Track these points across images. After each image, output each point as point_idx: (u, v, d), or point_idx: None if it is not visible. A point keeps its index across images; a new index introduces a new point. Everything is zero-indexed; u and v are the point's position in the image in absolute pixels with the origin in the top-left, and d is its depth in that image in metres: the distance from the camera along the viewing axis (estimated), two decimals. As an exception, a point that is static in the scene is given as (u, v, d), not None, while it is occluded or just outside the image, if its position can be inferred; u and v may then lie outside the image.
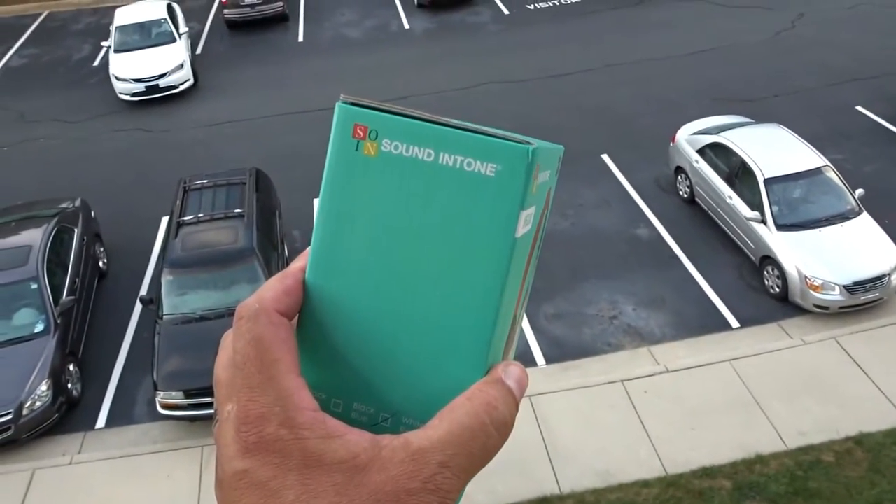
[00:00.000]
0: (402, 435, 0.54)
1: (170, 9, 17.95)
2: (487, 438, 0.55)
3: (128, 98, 16.13)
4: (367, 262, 0.59)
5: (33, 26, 21.13)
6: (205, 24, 20.28)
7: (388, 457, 0.52)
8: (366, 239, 0.59)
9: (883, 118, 13.30)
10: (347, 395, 0.59)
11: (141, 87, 15.97)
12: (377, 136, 0.57)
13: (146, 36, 16.84)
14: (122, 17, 17.37)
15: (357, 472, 0.52)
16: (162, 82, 16.02)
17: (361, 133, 0.58)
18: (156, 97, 16.11)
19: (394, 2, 20.64)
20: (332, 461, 0.52)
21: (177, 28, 17.26)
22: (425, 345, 0.58)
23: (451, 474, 0.53)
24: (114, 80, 16.21)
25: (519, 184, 0.57)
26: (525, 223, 0.59)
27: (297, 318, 0.60)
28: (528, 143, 0.57)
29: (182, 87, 16.35)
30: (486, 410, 0.55)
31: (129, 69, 16.06)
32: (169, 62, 16.20)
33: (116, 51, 16.55)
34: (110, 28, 17.43)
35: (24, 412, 8.53)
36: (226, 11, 19.33)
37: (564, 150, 0.73)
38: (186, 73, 16.45)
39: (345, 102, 0.58)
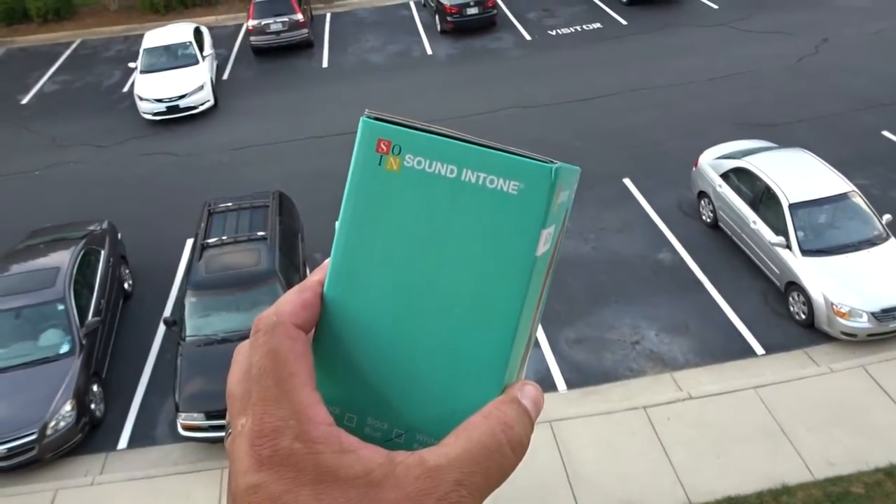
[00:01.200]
0: (417, 452, 0.54)
1: (197, 32, 18.58)
2: (503, 458, 0.55)
3: (150, 117, 16.67)
4: (387, 277, 0.58)
5: (66, 53, 21.71)
6: (232, 50, 20.70)
7: (403, 473, 0.52)
8: (385, 254, 0.58)
9: (910, 143, 13.14)
10: (361, 410, 0.59)
11: (162, 106, 16.53)
12: (400, 151, 0.57)
13: (171, 58, 17.49)
14: (151, 39, 18.09)
15: (371, 488, 0.51)
16: (182, 103, 16.57)
17: (385, 148, 0.57)
18: (176, 117, 16.62)
19: (417, 28, 20.92)
20: (347, 476, 0.51)
21: (201, 51, 17.82)
22: (442, 362, 0.58)
23: (466, 492, 0.52)
24: (137, 100, 16.82)
25: (542, 202, 0.57)
26: (545, 242, 0.60)
27: (313, 331, 0.60)
28: (552, 162, 0.58)
29: (202, 108, 16.87)
30: (503, 429, 0.55)
31: (152, 90, 16.65)
32: (190, 84, 16.77)
33: (142, 72, 17.24)
34: (139, 50, 18.04)
35: (49, 432, 8.62)
36: (252, 38, 19.72)
37: (582, 172, 0.75)
38: (206, 94, 16.97)
39: (369, 117, 0.58)
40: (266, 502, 0.51)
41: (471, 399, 0.57)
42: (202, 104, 16.86)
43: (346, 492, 0.51)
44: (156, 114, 16.63)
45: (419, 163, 0.57)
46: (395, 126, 0.58)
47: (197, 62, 17.45)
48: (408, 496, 0.51)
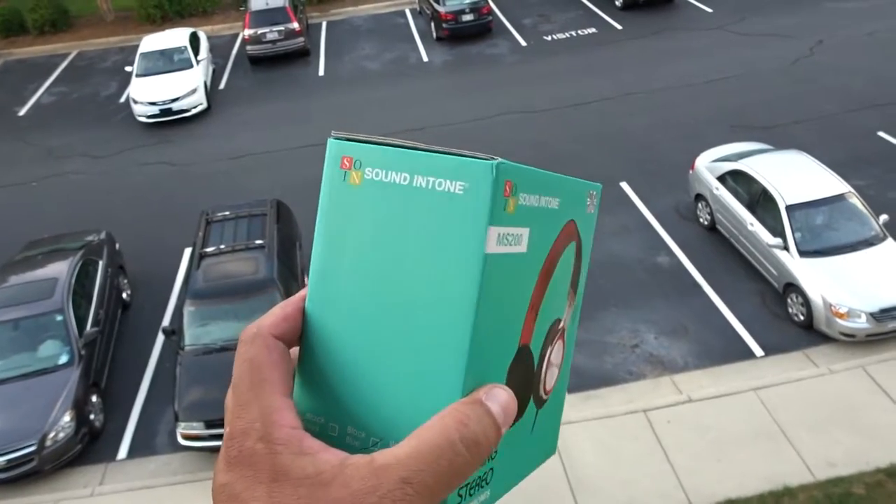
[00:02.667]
0: (370, 454, 0.55)
1: (193, 37, 18.98)
2: (455, 455, 0.55)
3: (144, 120, 17.03)
4: (354, 289, 0.61)
5: (63, 65, 21.75)
6: (228, 59, 20.74)
7: (351, 473, 0.53)
8: (352, 267, 0.61)
9: (906, 143, 13.18)
10: (341, 421, 0.61)
11: (155, 109, 16.92)
12: (360, 165, 0.61)
13: (166, 62, 17.93)
14: (147, 44, 18.57)
15: (320, 487, 0.53)
16: (175, 106, 16.94)
17: (348, 164, 0.61)
18: (169, 120, 16.97)
19: (413, 35, 20.98)
20: (299, 476, 0.53)
21: (196, 55, 18.19)
22: (407, 368, 0.60)
23: (412, 490, 0.53)
24: (132, 103, 17.18)
25: (485, 198, 0.58)
26: (502, 242, 0.60)
27: (300, 342, 0.64)
28: (494, 159, 0.59)
29: (194, 111, 17.21)
30: (457, 427, 0.55)
31: (146, 93, 17.06)
32: (183, 87, 17.13)
33: (138, 75, 17.66)
34: (136, 54, 18.48)
35: (48, 443, 8.60)
36: (248, 47, 19.77)
37: (579, 176, 0.78)
38: (199, 98, 17.30)
39: (335, 138, 0.62)
40: (229, 500, 0.54)
41: (434, 403, 0.58)
42: (195, 107, 17.21)
43: (297, 490, 0.53)
44: (149, 116, 16.98)
45: (377, 174, 0.60)
46: (354, 143, 0.61)
47: (191, 66, 17.81)
48: (352, 494, 0.53)
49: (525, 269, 0.65)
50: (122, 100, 18.73)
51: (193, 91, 17.16)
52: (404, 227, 0.60)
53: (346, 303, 0.62)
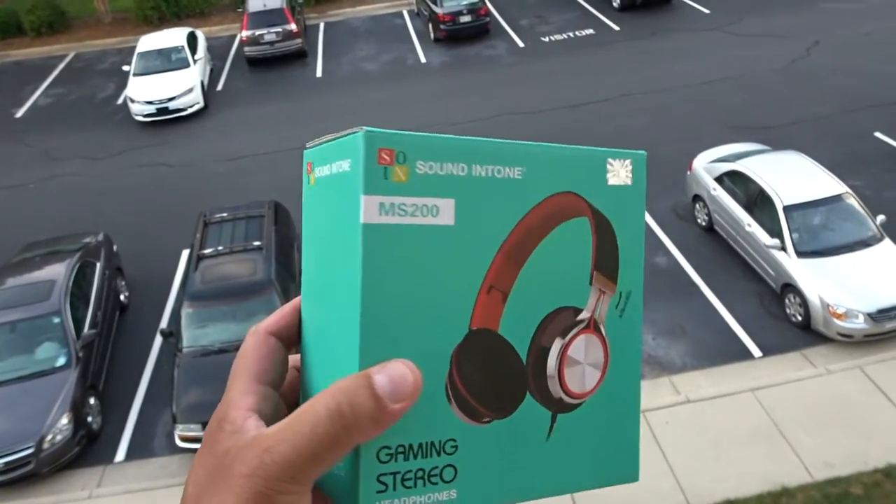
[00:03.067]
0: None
1: (191, 37, 19.04)
2: (315, 426, 0.56)
3: (141, 119, 17.12)
4: (312, 278, 0.66)
5: (60, 66, 21.73)
6: (226, 61, 20.73)
7: (241, 446, 0.58)
8: (313, 258, 0.66)
9: (902, 144, 13.21)
10: None
11: (152, 108, 17.01)
12: (313, 167, 0.65)
13: (164, 61, 18.03)
14: (145, 43, 18.69)
15: (223, 458, 0.58)
16: (171, 105, 17.04)
17: (308, 168, 0.66)
18: (166, 119, 17.08)
19: (410, 36, 20.98)
20: (218, 450, 0.59)
21: (194, 55, 18.29)
22: (332, 347, 0.63)
23: (269, 459, 0.55)
24: (129, 102, 17.27)
25: (357, 168, 0.59)
26: (394, 212, 0.60)
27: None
28: (367, 129, 0.60)
29: (191, 110, 17.30)
30: (325, 399, 0.57)
31: (143, 92, 17.16)
32: (179, 86, 17.23)
33: (135, 74, 17.77)
34: (134, 53, 18.66)
35: (45, 446, 8.58)
36: (246, 49, 19.76)
37: (644, 154, 0.73)
38: (196, 97, 17.37)
39: (308, 147, 0.67)
40: (191, 471, 0.62)
41: (336, 380, 0.61)
42: (191, 106, 17.30)
43: (213, 460, 0.59)
44: (146, 115, 17.05)
45: (320, 171, 0.64)
46: (310, 149, 0.66)
47: (188, 66, 17.90)
48: (232, 465, 0.57)
49: (459, 243, 0.62)
50: (120, 101, 18.71)
51: (190, 90, 17.26)
52: (329, 215, 0.63)
53: (309, 292, 0.66)
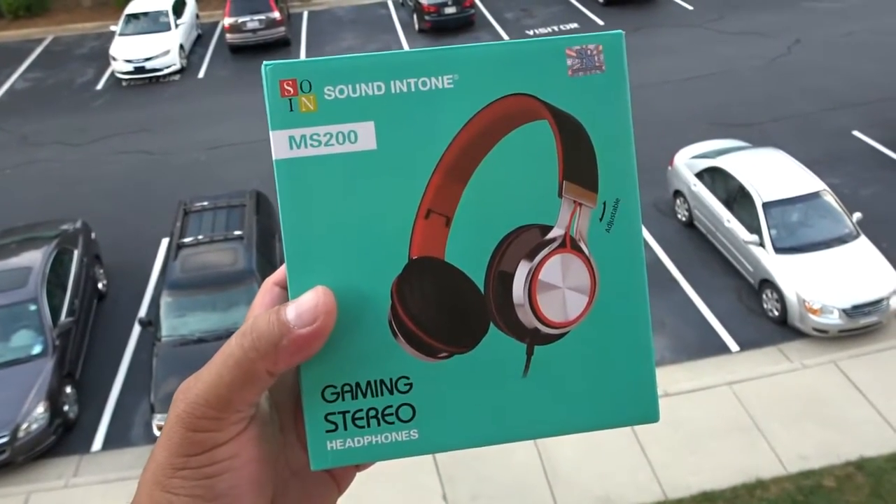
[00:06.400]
0: None
1: (179, 2, 19.97)
2: (227, 356, 0.59)
3: (121, 76, 18.14)
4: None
5: (38, 50, 21.35)
6: (208, 48, 20.50)
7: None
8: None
9: (879, 143, 13.39)
10: None
11: (130, 66, 18.02)
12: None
13: (149, 23, 19.10)
14: (134, 6, 19.78)
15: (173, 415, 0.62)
16: (148, 65, 18.06)
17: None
18: (144, 77, 18.18)
19: (395, 27, 20.88)
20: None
21: (177, 19, 19.31)
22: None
23: (192, 386, 0.59)
24: (111, 60, 18.34)
25: (266, 105, 0.58)
26: (306, 143, 0.58)
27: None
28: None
29: (167, 71, 18.28)
30: (238, 331, 0.59)
31: (123, 51, 18.19)
32: (157, 48, 18.22)
33: (120, 34, 18.85)
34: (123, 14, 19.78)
35: (21, 434, 8.48)
36: (228, 36, 19.57)
37: (620, 35, 0.61)
38: (173, 58, 18.38)
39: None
40: None
41: None
42: (167, 67, 18.28)
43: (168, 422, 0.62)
44: (125, 73, 18.11)
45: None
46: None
47: (169, 29, 18.83)
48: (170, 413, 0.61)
49: (385, 168, 0.58)
50: (100, 87, 18.44)
51: (167, 52, 18.23)
52: None
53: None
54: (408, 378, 0.61)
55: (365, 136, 0.58)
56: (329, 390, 0.60)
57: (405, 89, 0.58)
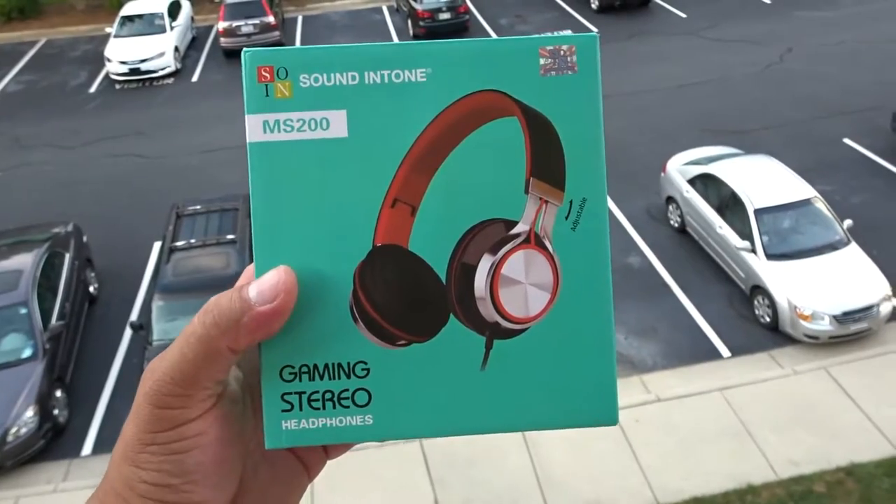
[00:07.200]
0: None
1: (174, 5, 20.03)
2: (191, 334, 0.60)
3: (116, 78, 18.20)
4: None
5: (31, 53, 21.28)
6: (202, 52, 20.48)
7: None
8: None
9: (870, 150, 13.48)
10: None
11: (125, 68, 18.10)
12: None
13: (144, 25, 19.19)
14: (129, 8, 19.86)
15: None
16: (143, 66, 18.13)
17: None
18: (138, 79, 18.26)
19: (389, 32, 20.92)
20: None
21: (172, 21, 19.37)
22: None
23: (158, 365, 0.62)
24: (106, 62, 18.40)
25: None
26: (279, 128, 0.60)
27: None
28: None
29: (162, 73, 18.32)
30: (202, 309, 0.61)
31: (118, 52, 18.25)
32: (152, 49, 18.29)
33: (115, 36, 18.93)
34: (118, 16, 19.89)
35: (10, 439, 8.42)
36: (222, 40, 19.55)
37: (594, 37, 0.62)
38: (168, 60, 18.44)
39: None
40: None
41: None
42: (162, 69, 18.35)
43: None
44: (120, 75, 18.13)
45: None
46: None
47: (164, 31, 18.91)
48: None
49: (355, 156, 0.60)
50: (93, 90, 18.39)
51: (162, 54, 18.30)
52: None
53: None
54: (365, 363, 0.61)
55: (337, 123, 0.59)
56: (287, 370, 0.61)
57: (378, 80, 0.59)
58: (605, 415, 0.63)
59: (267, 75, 0.60)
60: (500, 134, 0.60)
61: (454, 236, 0.61)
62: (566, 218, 0.62)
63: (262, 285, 0.59)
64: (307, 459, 0.68)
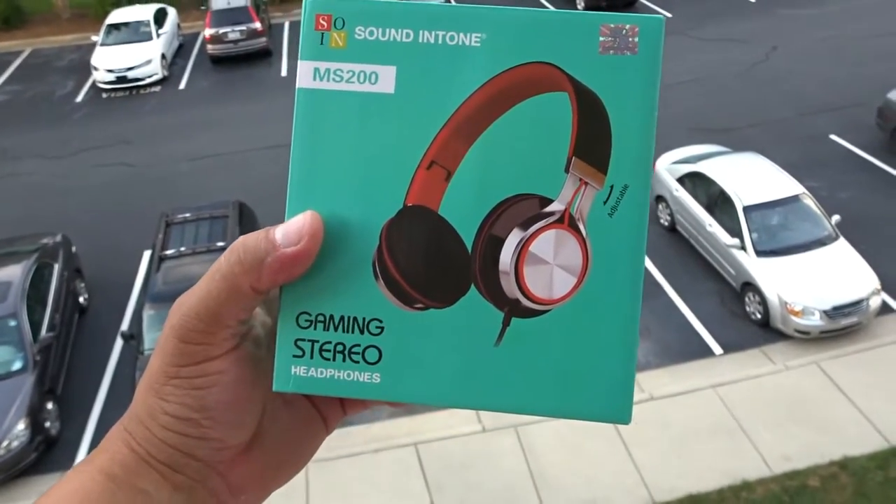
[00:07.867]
0: None
1: (160, 12, 19.99)
2: (216, 271, 0.61)
3: (103, 86, 18.10)
4: None
5: (16, 63, 21.17)
6: (188, 59, 20.43)
7: None
8: None
9: (856, 146, 13.59)
10: None
11: (112, 76, 18.05)
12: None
13: (130, 34, 19.17)
14: (115, 16, 19.79)
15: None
16: (130, 74, 18.08)
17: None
18: (125, 87, 18.21)
19: (376, 37, 20.92)
20: None
21: (159, 29, 19.34)
22: None
23: (184, 300, 0.61)
24: (93, 70, 18.33)
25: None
26: (329, 77, 0.60)
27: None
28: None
29: (149, 81, 18.28)
30: (229, 247, 0.61)
31: (105, 61, 18.16)
32: (139, 57, 18.25)
33: (102, 45, 18.84)
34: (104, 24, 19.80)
35: (1, 452, 8.35)
36: (209, 47, 19.50)
37: (660, 20, 0.62)
38: (154, 68, 18.39)
39: None
40: None
41: None
42: (149, 76, 18.30)
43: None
44: (107, 83, 18.07)
45: None
46: None
47: (150, 39, 18.90)
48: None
49: (399, 114, 0.59)
50: (79, 100, 18.30)
51: (149, 62, 18.25)
52: None
53: None
54: (380, 322, 0.61)
55: (385, 79, 0.59)
56: (303, 317, 0.61)
57: (432, 41, 0.59)
58: (619, 412, 0.62)
59: (324, 24, 0.59)
60: (547, 108, 0.59)
61: (486, 206, 0.59)
62: (605, 203, 0.59)
63: (288, 227, 0.59)
64: (325, 412, 0.70)
